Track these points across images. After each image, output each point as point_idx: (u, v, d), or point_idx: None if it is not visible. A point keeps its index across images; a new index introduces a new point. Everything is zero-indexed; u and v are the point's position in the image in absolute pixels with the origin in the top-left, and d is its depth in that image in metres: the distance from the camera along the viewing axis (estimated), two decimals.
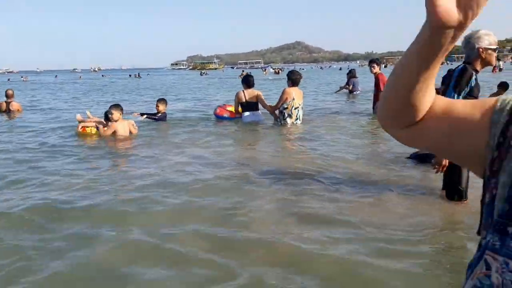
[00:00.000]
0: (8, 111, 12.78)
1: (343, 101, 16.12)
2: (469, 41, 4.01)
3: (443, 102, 0.83)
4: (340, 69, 65.43)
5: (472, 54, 4.01)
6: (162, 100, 10.52)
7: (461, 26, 0.66)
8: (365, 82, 21.91)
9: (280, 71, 69.86)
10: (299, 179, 5.25)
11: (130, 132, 8.48)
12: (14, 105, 13.12)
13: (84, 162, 6.47)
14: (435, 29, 0.67)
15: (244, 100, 10.05)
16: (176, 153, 7.01)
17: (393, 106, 0.82)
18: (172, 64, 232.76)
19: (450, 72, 4.08)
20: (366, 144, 7.73)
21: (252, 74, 10.93)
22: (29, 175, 5.64)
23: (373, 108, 11.27)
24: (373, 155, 6.64)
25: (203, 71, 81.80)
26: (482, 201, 0.75)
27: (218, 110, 10.74)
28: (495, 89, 13.12)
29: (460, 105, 0.81)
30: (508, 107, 0.73)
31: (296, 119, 9.54)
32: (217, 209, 4.26)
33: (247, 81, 10.23)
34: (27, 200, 4.58)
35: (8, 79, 59.55)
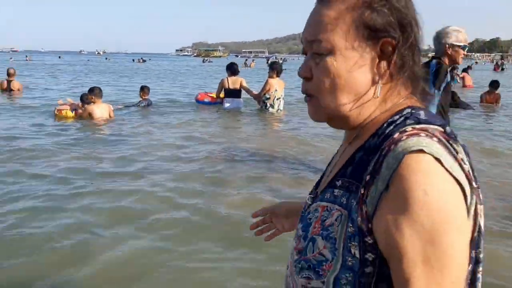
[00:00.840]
0: (9, 90, 12.88)
1: None
2: (438, 36, 3.93)
3: None
4: None
5: (440, 49, 3.93)
6: (144, 88, 10.70)
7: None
8: None
9: (283, 61, 69.50)
10: (270, 163, 5.44)
11: (109, 116, 8.54)
12: (15, 84, 13.13)
13: (61, 144, 6.48)
14: None
15: (227, 87, 10.12)
16: (149, 136, 7.10)
17: None
18: (177, 50, 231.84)
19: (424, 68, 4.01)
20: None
21: (236, 62, 10.97)
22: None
23: None
24: None
25: (205, 58, 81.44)
26: None
27: (199, 96, 10.95)
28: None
29: None
30: None
31: (278, 109, 9.66)
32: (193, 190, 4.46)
33: (232, 69, 10.26)
34: None
35: (11, 58, 59.20)
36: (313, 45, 0.81)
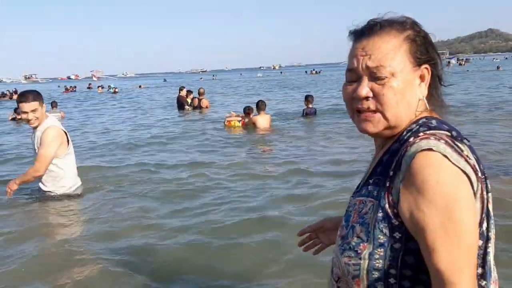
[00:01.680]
0: (199, 107, 14.78)
1: None
2: None
3: None
4: None
5: None
6: (308, 97, 11.33)
7: None
8: None
9: (465, 62, 63.60)
10: None
11: (269, 125, 9.23)
12: (204, 102, 15.02)
13: (230, 147, 7.33)
14: None
15: None
16: (301, 143, 7.44)
17: None
18: None
19: None
20: None
21: None
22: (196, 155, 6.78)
23: None
24: None
25: None
26: None
27: None
28: None
29: None
30: None
31: None
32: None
33: None
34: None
35: (201, 78, 67.45)
36: (376, 70, 1.00)
